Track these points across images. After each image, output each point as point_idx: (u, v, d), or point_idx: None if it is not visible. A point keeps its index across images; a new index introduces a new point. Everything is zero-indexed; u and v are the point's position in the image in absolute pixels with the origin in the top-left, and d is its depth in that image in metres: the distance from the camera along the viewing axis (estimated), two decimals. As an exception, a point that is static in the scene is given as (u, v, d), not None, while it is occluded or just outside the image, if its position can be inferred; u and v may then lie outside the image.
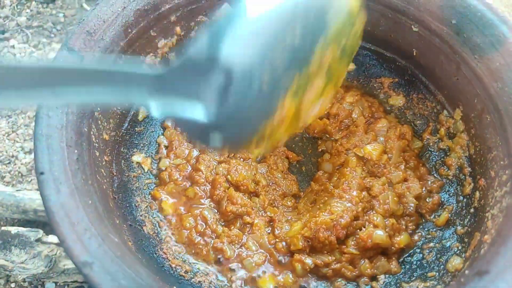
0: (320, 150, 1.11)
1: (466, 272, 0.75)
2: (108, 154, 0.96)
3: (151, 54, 1.06)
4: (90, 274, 0.63)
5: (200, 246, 0.96)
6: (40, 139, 0.77)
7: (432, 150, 1.07)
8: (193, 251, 0.96)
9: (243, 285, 0.92)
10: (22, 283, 1.20)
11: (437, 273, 0.89)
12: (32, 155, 1.52)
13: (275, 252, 0.96)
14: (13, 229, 1.23)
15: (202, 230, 0.98)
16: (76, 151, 0.80)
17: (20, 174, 1.52)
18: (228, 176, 1.02)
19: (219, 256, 0.96)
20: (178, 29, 1.08)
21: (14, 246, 1.21)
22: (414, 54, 1.07)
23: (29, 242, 1.21)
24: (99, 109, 0.92)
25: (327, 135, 1.12)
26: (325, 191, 1.00)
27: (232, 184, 1.02)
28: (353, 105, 1.10)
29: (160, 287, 0.65)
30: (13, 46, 1.82)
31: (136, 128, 1.07)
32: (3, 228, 1.23)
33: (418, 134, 1.10)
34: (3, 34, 1.83)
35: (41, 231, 1.23)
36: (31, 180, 1.50)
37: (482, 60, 0.93)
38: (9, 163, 1.54)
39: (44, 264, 1.16)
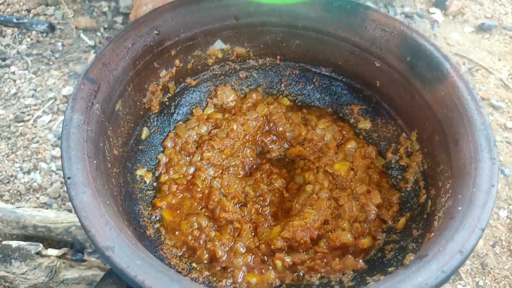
0: (297, 167, 1.26)
1: (412, 258, 0.94)
2: (117, 167, 1.08)
3: (154, 82, 1.20)
4: (112, 256, 0.78)
5: (195, 248, 1.09)
6: (67, 151, 0.90)
7: (394, 166, 1.22)
8: (189, 252, 1.09)
9: (232, 280, 1.05)
10: (22, 293, 1.23)
11: (395, 268, 1.03)
12: (31, 175, 1.62)
13: (259, 253, 1.09)
14: (14, 243, 1.28)
15: (197, 234, 1.10)
16: (95, 161, 0.93)
17: (18, 193, 1.58)
18: (222, 189, 1.16)
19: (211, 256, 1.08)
20: (177, 61, 1.23)
21: (15, 259, 1.26)
22: (378, 85, 1.23)
23: (29, 255, 1.26)
24: (111, 128, 1.07)
25: (303, 157, 1.27)
26: (297, 198, 1.16)
27: (225, 195, 1.16)
28: (324, 130, 1.26)
29: (166, 268, 0.82)
30: (13, 73, 1.90)
31: (140, 146, 1.20)
32: (3, 242, 1.30)
33: (382, 153, 1.24)
34: (4, 61, 1.92)
35: (41, 245, 1.29)
36: (29, 198, 1.56)
37: (431, 91, 1.08)
38: (8, 182, 1.60)
39: (44, 274, 1.23)
